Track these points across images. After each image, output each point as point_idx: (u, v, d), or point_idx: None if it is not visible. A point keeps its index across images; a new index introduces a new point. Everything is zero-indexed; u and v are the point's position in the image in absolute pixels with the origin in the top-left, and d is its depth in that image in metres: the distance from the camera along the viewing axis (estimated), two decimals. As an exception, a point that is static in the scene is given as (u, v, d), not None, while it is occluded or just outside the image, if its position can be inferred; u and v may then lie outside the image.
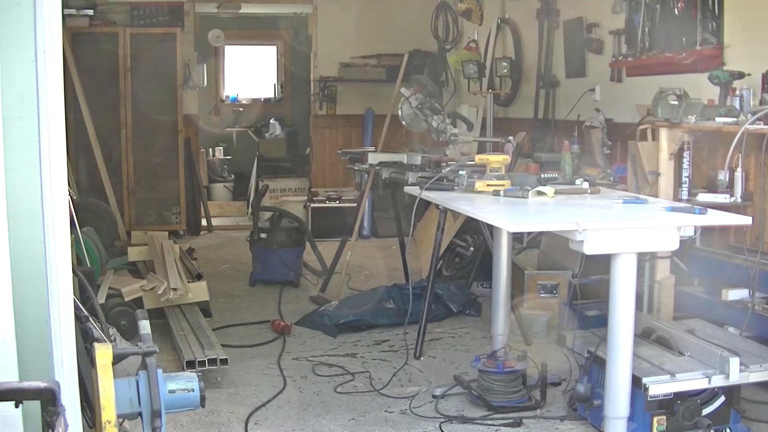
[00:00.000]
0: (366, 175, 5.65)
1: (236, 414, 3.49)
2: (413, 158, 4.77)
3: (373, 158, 5.08)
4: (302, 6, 8.66)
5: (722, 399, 3.09)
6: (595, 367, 3.25)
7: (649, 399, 3.01)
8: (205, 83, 9.83)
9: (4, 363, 1.76)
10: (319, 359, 4.25)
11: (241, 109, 10.80)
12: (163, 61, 7.37)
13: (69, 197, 2.03)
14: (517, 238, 4.19)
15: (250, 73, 11.02)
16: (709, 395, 3.08)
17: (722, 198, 3.80)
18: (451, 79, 7.98)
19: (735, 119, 3.68)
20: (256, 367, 4.08)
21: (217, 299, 5.32)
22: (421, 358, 4.24)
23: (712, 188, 3.91)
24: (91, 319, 2.45)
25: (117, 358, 2.03)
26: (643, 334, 3.42)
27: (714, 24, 4.22)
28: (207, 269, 5.96)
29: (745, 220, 3.14)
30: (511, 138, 5.07)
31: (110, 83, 7.24)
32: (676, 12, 4.50)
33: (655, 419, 3.03)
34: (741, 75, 3.86)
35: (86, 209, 5.95)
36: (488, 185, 3.60)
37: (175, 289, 4.68)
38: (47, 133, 1.87)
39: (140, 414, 2.05)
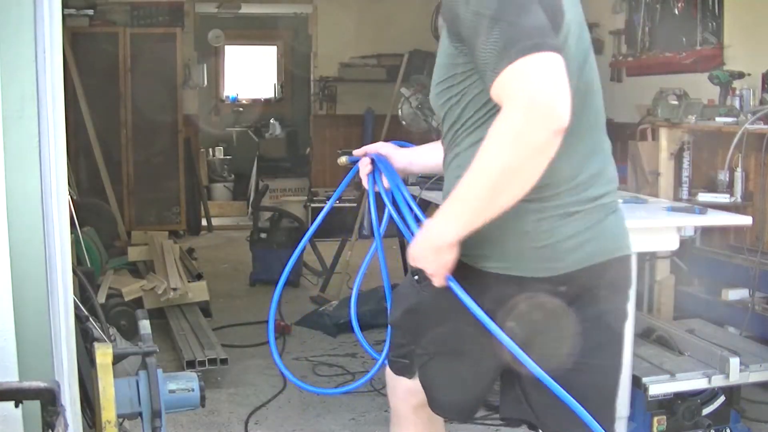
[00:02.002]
0: (366, 175, 5.63)
1: (236, 414, 3.49)
2: (413, 158, 4.76)
3: (374, 158, 5.07)
4: (302, 6, 8.66)
5: (722, 399, 3.09)
6: (595, 367, 3.25)
7: (649, 399, 3.01)
8: (205, 83, 9.82)
9: (4, 363, 1.76)
10: (319, 359, 4.25)
11: (241, 109, 10.80)
12: (163, 61, 7.36)
13: (69, 197, 2.03)
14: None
15: (250, 73, 11.02)
16: (709, 395, 3.08)
17: (722, 198, 3.80)
18: (451, 79, 7.96)
19: (735, 119, 3.68)
20: (256, 367, 4.08)
21: (217, 299, 5.32)
22: (421, 358, 4.24)
23: (712, 188, 3.91)
24: (91, 319, 2.45)
25: (117, 358, 2.03)
26: (643, 334, 3.41)
27: (714, 24, 4.22)
28: (207, 269, 5.96)
29: (745, 220, 3.14)
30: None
31: (110, 83, 7.23)
32: (676, 12, 4.51)
33: (655, 419, 3.03)
34: (741, 75, 3.87)
35: (86, 209, 5.94)
36: (488, 185, 3.60)
37: (175, 289, 4.68)
38: (48, 133, 1.87)
39: (140, 414, 2.05)
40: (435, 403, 1.88)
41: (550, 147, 1.39)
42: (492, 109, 1.52)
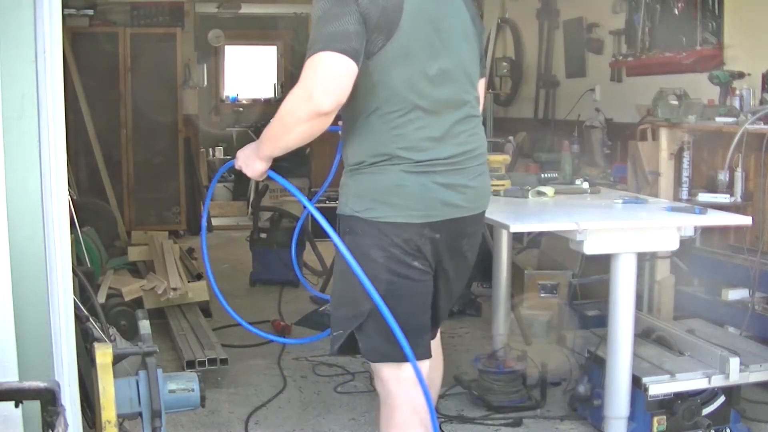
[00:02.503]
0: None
1: (236, 414, 3.49)
2: (413, 158, 4.76)
3: (373, 158, 5.07)
4: (302, 6, 8.66)
5: (722, 399, 3.09)
6: (595, 367, 3.25)
7: (649, 399, 3.01)
8: (205, 83, 9.83)
9: (4, 363, 1.76)
10: (319, 359, 4.24)
11: (241, 109, 10.80)
12: (163, 61, 7.36)
13: (69, 197, 2.03)
14: (517, 238, 4.19)
15: (250, 73, 11.02)
16: (709, 395, 3.08)
17: (722, 198, 3.80)
18: (451, 79, 7.96)
19: (735, 119, 3.68)
20: (256, 367, 4.08)
21: (217, 299, 5.32)
22: (421, 358, 4.24)
23: (712, 188, 3.91)
24: (91, 319, 2.45)
25: (117, 358, 2.03)
26: (643, 334, 3.42)
27: (714, 24, 4.22)
28: (207, 269, 5.96)
29: (745, 220, 3.14)
30: (511, 138, 5.07)
31: (110, 83, 7.23)
32: (676, 12, 4.50)
33: (655, 419, 3.03)
34: (741, 75, 3.86)
35: (86, 209, 5.94)
36: (488, 185, 3.59)
37: (175, 289, 4.68)
38: (47, 133, 1.87)
39: (140, 414, 2.05)
40: (373, 352, 2.20)
41: (310, 121, 1.99)
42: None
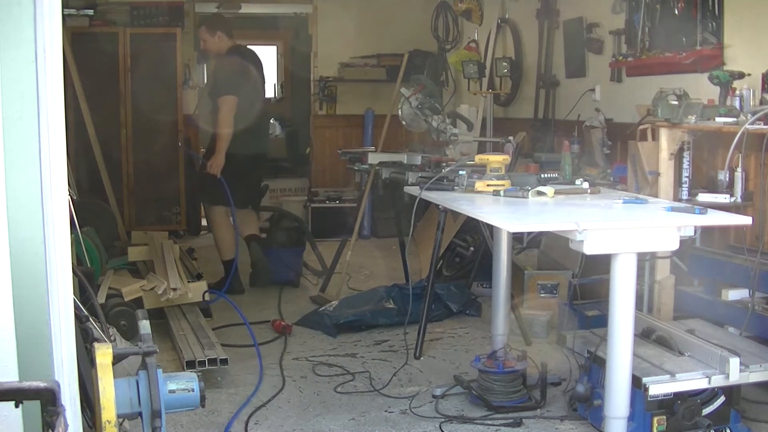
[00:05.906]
0: (366, 175, 5.66)
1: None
2: (413, 158, 4.76)
3: (373, 158, 5.08)
4: (302, 6, 8.66)
5: (722, 399, 3.09)
6: (595, 367, 3.25)
7: (649, 399, 3.01)
8: (205, 83, 9.80)
9: (4, 363, 1.76)
10: (319, 359, 4.25)
11: (241, 109, 10.77)
12: (163, 61, 7.36)
13: (69, 197, 2.03)
14: (517, 238, 4.19)
15: (249, 73, 11.00)
16: (709, 395, 3.08)
17: (722, 198, 3.80)
18: (451, 79, 7.98)
19: (735, 119, 3.68)
20: (256, 367, 4.08)
21: (217, 299, 5.32)
22: (421, 358, 4.24)
23: (712, 188, 3.91)
24: (91, 319, 2.45)
25: (117, 358, 2.03)
26: (643, 334, 3.42)
27: (714, 24, 4.22)
28: (207, 269, 5.96)
29: (745, 220, 3.14)
30: (511, 138, 5.06)
31: (110, 83, 7.23)
32: (676, 12, 4.50)
33: (655, 419, 3.03)
34: (741, 75, 3.86)
35: (86, 209, 5.94)
36: (488, 185, 3.59)
37: (175, 289, 4.68)
38: (47, 133, 1.87)
39: (140, 414, 2.05)
40: (210, 199, 5.76)
41: (229, 121, 5.50)
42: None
